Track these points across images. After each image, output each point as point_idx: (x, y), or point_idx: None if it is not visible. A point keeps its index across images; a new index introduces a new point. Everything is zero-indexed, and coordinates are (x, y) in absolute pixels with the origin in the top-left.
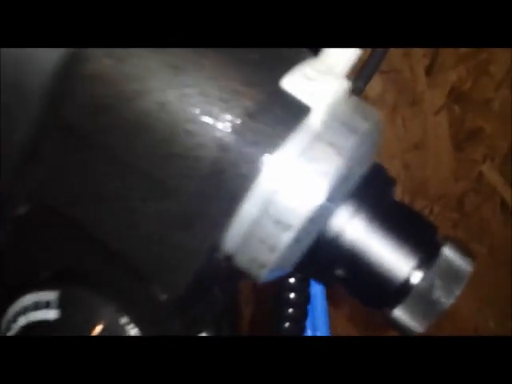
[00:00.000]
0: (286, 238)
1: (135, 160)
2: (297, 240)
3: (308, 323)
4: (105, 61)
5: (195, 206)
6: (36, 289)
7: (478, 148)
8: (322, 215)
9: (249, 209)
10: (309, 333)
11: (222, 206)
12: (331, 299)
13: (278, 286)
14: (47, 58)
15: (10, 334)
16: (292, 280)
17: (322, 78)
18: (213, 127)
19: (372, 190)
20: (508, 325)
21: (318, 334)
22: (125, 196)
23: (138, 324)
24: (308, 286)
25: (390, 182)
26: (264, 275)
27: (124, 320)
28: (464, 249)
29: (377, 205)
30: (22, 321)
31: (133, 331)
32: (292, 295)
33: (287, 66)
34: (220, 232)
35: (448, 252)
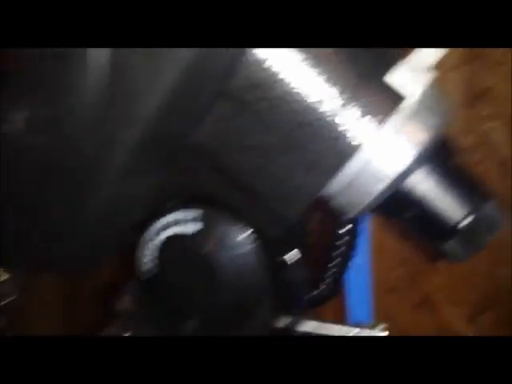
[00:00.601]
0: (379, 187)
1: (275, 124)
2: (387, 189)
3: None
4: (259, 55)
5: (315, 159)
6: (184, 208)
7: (485, 107)
8: (407, 172)
9: (354, 164)
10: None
11: (335, 161)
12: None
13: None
14: (225, 55)
15: (157, 239)
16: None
17: (414, 73)
18: (333, 106)
19: (441, 156)
20: None
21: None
22: (264, 148)
23: (257, 238)
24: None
25: (453, 150)
26: (355, 213)
27: (246, 234)
28: (499, 204)
29: (443, 168)
30: (171, 231)
31: (250, 245)
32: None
33: (388, 64)
34: (330, 179)
35: (491, 205)
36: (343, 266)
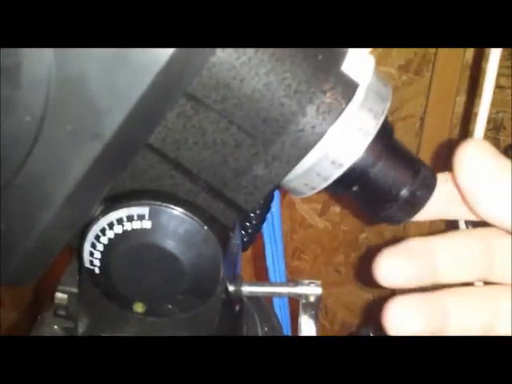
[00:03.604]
0: (337, 172)
1: (239, 120)
2: (342, 175)
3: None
4: (225, 54)
5: (277, 152)
6: (130, 205)
7: None
8: (360, 158)
9: (314, 153)
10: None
11: (298, 153)
12: None
13: None
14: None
15: (105, 237)
16: None
17: (362, 59)
18: (299, 100)
19: (384, 135)
20: None
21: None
22: (225, 144)
23: (211, 226)
24: None
25: (392, 129)
26: (310, 194)
27: (200, 225)
28: (431, 168)
29: (386, 146)
30: (119, 228)
31: (205, 234)
32: None
33: (342, 52)
34: (291, 170)
35: (424, 173)
36: (262, 217)
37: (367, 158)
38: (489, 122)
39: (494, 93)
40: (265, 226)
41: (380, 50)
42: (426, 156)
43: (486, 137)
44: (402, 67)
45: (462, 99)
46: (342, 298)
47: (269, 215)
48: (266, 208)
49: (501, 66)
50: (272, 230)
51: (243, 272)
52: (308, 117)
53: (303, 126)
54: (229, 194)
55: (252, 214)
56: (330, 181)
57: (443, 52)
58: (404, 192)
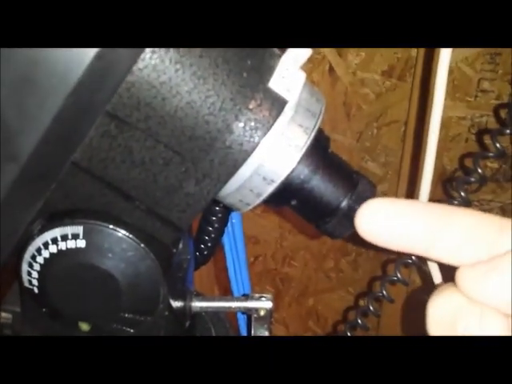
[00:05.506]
0: (270, 188)
1: (165, 139)
2: (275, 189)
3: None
4: (145, 72)
5: (206, 169)
6: (64, 224)
7: None
8: (292, 172)
9: (244, 170)
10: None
11: (227, 170)
12: None
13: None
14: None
15: (41, 257)
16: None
17: (291, 75)
18: (224, 118)
19: (318, 149)
20: None
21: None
22: (152, 162)
23: (148, 245)
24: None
25: (327, 141)
26: (245, 210)
27: (135, 242)
28: (369, 181)
29: (321, 159)
30: (53, 248)
31: (141, 251)
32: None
33: (270, 69)
34: (222, 187)
35: (361, 186)
36: (220, 231)
37: (300, 172)
38: (473, 125)
39: (478, 97)
40: (225, 238)
41: (363, 55)
42: (409, 161)
43: (471, 141)
44: (386, 73)
45: (446, 103)
46: (333, 303)
47: (229, 226)
48: (224, 221)
49: (484, 70)
50: (233, 242)
51: (213, 285)
52: (235, 134)
53: (230, 143)
54: (161, 211)
55: (210, 228)
56: (264, 197)
57: (425, 56)
58: (342, 206)
